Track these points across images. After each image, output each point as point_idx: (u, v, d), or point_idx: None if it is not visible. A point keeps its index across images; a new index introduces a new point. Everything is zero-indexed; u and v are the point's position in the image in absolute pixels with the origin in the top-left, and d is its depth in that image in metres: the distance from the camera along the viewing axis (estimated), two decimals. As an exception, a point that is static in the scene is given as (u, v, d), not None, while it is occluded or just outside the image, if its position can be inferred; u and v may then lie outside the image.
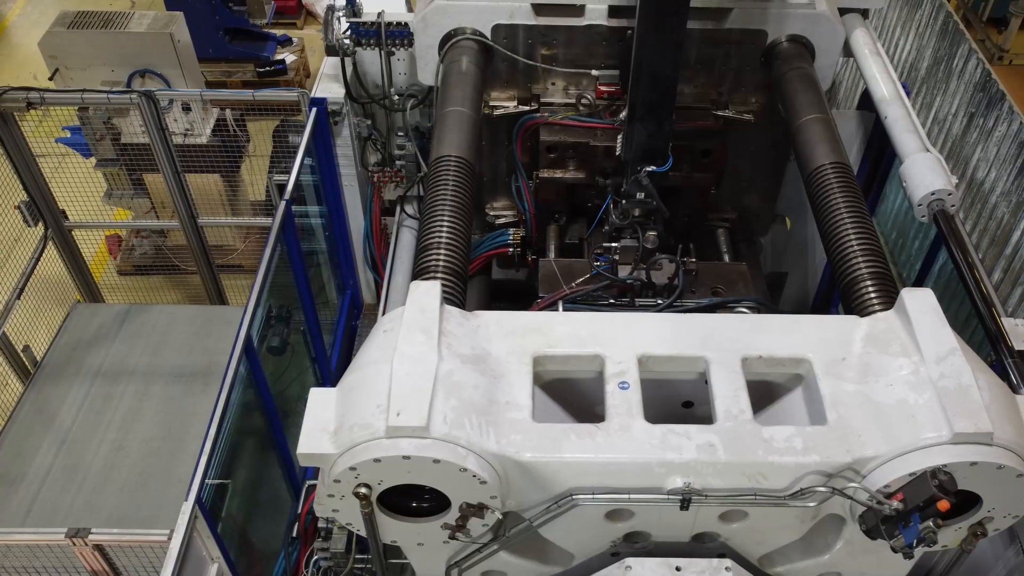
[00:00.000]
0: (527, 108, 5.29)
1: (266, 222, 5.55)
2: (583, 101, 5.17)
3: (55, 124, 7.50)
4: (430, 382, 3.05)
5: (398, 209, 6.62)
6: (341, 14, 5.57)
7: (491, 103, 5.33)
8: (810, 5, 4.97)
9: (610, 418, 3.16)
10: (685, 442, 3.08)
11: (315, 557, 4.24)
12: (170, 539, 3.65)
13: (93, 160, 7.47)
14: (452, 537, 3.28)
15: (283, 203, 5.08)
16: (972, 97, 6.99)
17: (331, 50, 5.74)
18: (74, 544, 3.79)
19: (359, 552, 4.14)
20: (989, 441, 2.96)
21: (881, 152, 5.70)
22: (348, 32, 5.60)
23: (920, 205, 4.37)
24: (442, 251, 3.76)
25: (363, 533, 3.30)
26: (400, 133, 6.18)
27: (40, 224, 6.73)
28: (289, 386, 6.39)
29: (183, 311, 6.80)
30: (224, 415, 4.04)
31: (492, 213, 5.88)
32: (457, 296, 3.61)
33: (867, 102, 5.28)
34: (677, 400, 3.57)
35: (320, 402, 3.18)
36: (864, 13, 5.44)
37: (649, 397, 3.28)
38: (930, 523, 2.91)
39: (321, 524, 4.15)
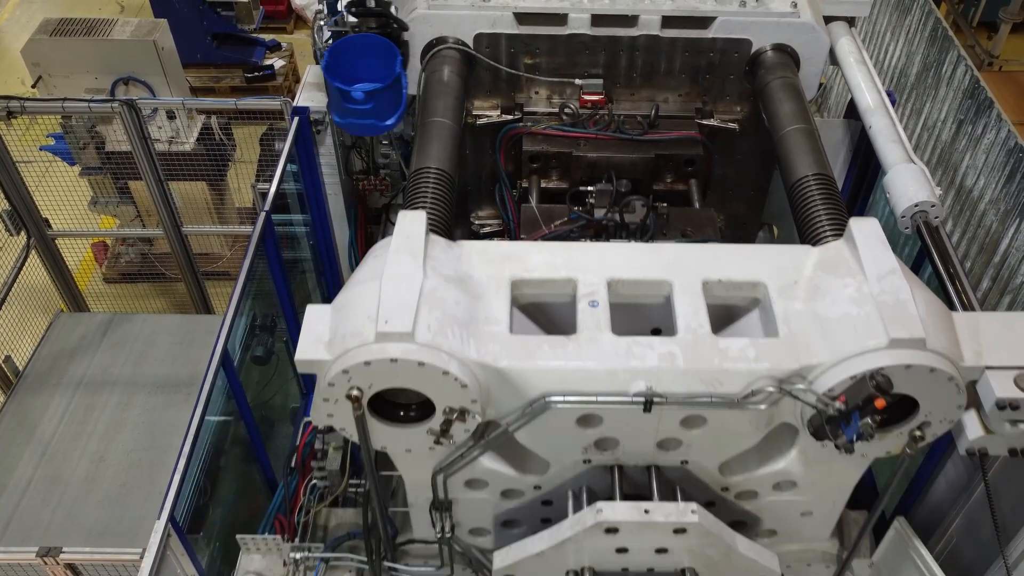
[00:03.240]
0: (510, 117, 5.25)
1: (249, 230, 5.52)
2: (566, 110, 5.13)
3: (42, 131, 7.46)
4: (416, 296, 3.31)
5: (383, 217, 6.56)
6: (323, 22, 5.51)
7: (474, 112, 5.29)
8: (795, 14, 4.93)
9: (580, 331, 3.43)
10: (648, 351, 3.36)
11: (312, 481, 4.45)
12: (142, 558, 3.59)
13: (78, 167, 7.42)
14: (437, 442, 3.50)
15: (263, 213, 5.03)
16: (961, 104, 6.97)
17: (318, 58, 5.68)
18: (45, 563, 3.73)
19: (352, 476, 4.39)
20: (922, 347, 3.22)
21: (868, 160, 5.66)
22: (330, 41, 5.54)
23: (903, 217, 4.33)
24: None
25: (356, 439, 3.49)
26: (384, 142, 6.12)
27: (23, 233, 6.69)
28: (274, 396, 6.34)
29: (166, 320, 6.75)
30: (199, 432, 3.99)
31: (477, 222, 5.84)
32: (442, 228, 3.88)
33: (855, 110, 5.25)
34: (646, 327, 3.74)
35: (315, 317, 3.45)
36: (850, 21, 5.41)
37: (619, 323, 3.50)
38: (868, 420, 3.17)
39: (317, 446, 4.42)
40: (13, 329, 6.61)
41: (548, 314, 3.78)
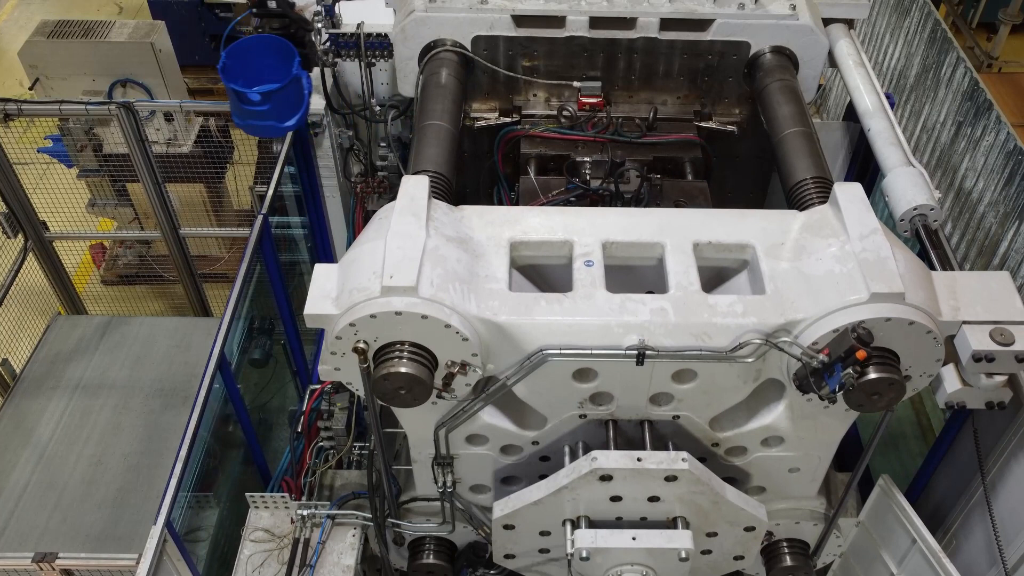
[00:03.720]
0: (508, 120, 5.23)
1: (247, 233, 5.52)
2: (564, 113, 5.12)
3: (40, 133, 7.45)
4: (419, 253, 3.48)
5: (381, 220, 6.54)
6: (320, 25, 5.50)
7: (472, 115, 5.27)
8: (793, 16, 4.91)
9: (576, 288, 3.61)
10: (640, 307, 3.55)
11: (319, 444, 4.71)
12: (138, 563, 3.58)
13: (76, 169, 7.40)
14: (439, 396, 3.63)
15: (260, 216, 5.02)
16: (960, 106, 6.95)
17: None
18: (41, 569, 3.72)
19: (357, 438, 4.66)
20: (902, 301, 3.39)
21: (867, 163, 5.65)
22: (327, 43, 5.53)
23: (902, 220, 4.32)
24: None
25: (362, 393, 3.64)
26: (383, 144, 6.12)
27: (20, 235, 6.67)
28: (272, 397, 6.33)
29: (164, 323, 6.73)
30: (195, 437, 3.98)
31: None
32: (444, 193, 4.03)
33: (853, 113, 5.24)
34: (640, 291, 3.83)
35: (323, 275, 3.64)
36: (849, 23, 5.39)
37: (614, 287, 3.67)
38: (850, 371, 3.30)
39: (324, 407, 4.63)
40: (10, 332, 6.59)
41: (545, 276, 3.95)
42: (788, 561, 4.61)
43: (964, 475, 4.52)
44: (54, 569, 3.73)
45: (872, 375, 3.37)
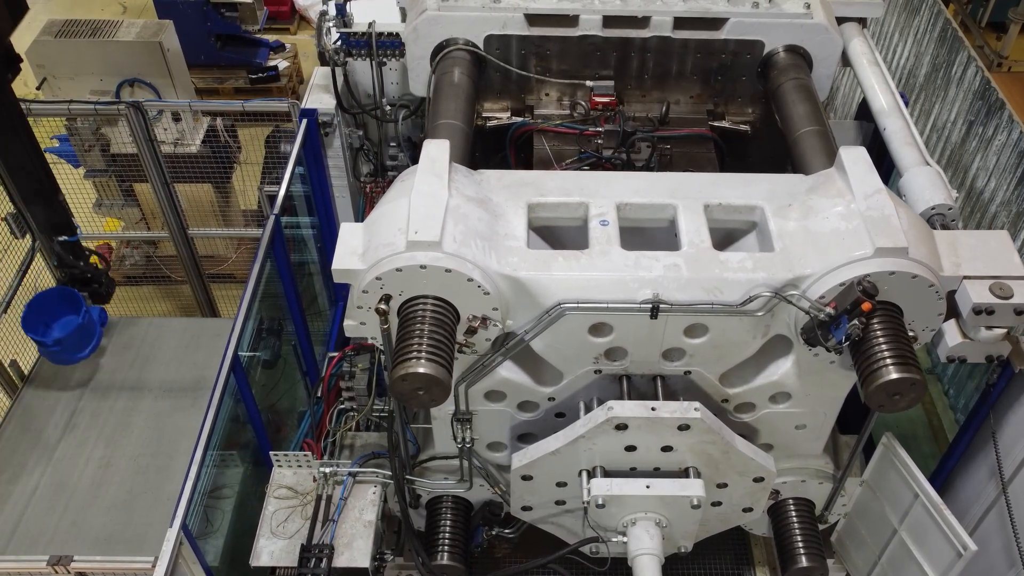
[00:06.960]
0: (520, 120, 5.20)
1: (256, 233, 5.50)
2: (577, 110, 5.09)
3: (45, 132, 7.40)
4: (442, 210, 3.60)
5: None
6: (332, 24, 5.47)
7: (484, 114, 5.25)
8: (807, 15, 4.89)
9: (592, 245, 3.74)
10: (654, 263, 3.67)
11: (338, 407, 4.84)
12: (154, 566, 3.55)
13: (83, 169, 7.36)
14: (460, 351, 3.73)
15: (272, 217, 4.99)
16: (971, 105, 6.92)
17: (323, 59, 5.65)
18: (56, 572, 3.68)
19: (378, 396, 4.70)
20: (905, 256, 3.51)
21: (879, 162, 5.60)
22: (339, 43, 5.50)
23: (920, 219, 4.29)
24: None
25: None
26: (392, 144, 6.09)
27: (27, 236, 6.63)
28: (281, 398, 6.30)
29: (172, 324, 6.70)
30: (210, 439, 3.95)
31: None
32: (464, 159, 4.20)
33: (865, 112, 5.22)
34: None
35: (349, 233, 3.79)
36: (862, 22, 5.37)
37: (628, 248, 3.76)
38: (856, 322, 3.42)
39: (345, 367, 4.75)
40: (19, 333, 6.55)
41: (560, 237, 4.07)
42: (804, 562, 4.59)
43: (981, 477, 4.50)
44: (69, 572, 3.69)
45: (894, 375, 3.36)
